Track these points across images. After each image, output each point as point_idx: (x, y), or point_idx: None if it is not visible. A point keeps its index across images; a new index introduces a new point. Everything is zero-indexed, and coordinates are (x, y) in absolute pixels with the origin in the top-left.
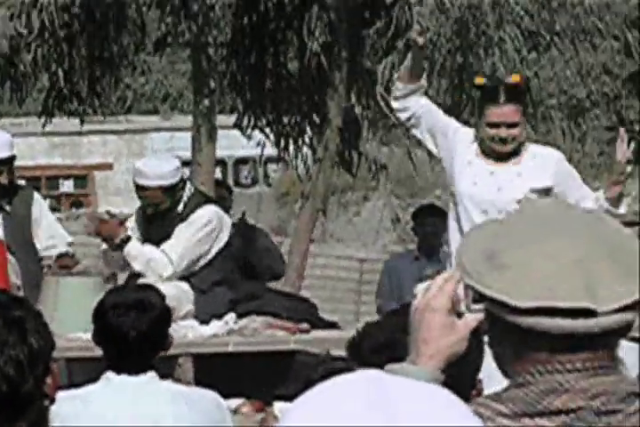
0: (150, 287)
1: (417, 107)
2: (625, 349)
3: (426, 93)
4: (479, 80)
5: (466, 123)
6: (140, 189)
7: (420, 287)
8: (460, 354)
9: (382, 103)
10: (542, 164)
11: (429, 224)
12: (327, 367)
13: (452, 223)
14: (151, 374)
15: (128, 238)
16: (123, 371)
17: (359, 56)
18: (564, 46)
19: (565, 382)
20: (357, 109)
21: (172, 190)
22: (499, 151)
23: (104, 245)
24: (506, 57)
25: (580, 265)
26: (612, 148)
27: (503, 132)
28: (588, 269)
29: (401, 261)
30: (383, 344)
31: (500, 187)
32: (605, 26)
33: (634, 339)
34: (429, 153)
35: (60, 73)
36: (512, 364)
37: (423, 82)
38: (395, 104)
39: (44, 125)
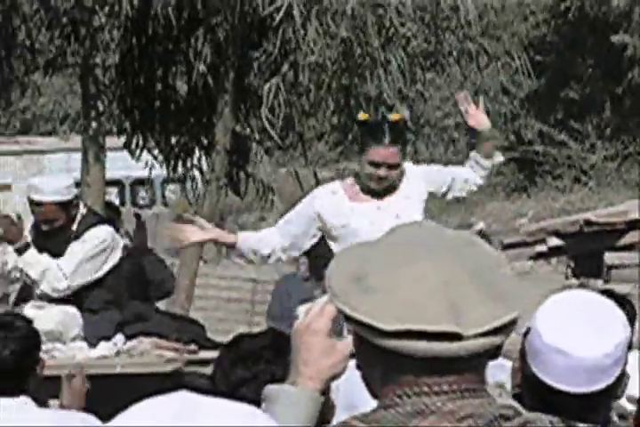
0: (15, 315)
1: None
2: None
3: (314, 115)
4: (363, 116)
5: (352, 142)
6: (35, 205)
7: (302, 309)
8: (340, 376)
9: (267, 125)
10: (413, 181)
11: (320, 246)
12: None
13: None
14: (23, 399)
15: (28, 245)
16: None
17: (246, 77)
18: (453, 68)
19: (432, 405)
20: (246, 131)
21: (67, 207)
22: (374, 189)
23: None
24: (392, 77)
25: (446, 288)
26: (508, 168)
27: (383, 172)
28: (453, 293)
29: (291, 282)
30: (243, 356)
31: (399, 215)
32: (501, 46)
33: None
34: (315, 174)
35: None
36: (380, 386)
37: None
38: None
39: None
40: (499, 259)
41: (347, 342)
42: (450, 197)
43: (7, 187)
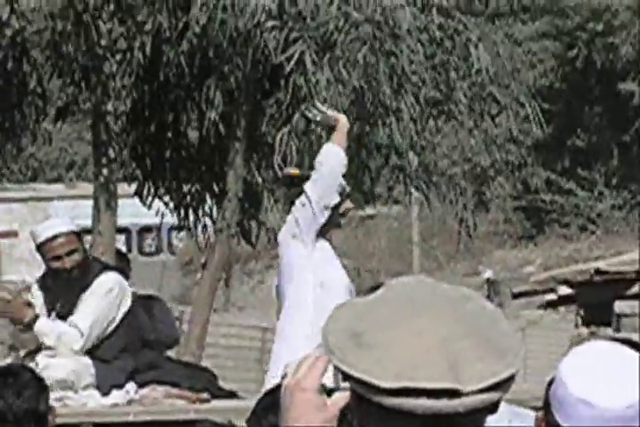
0: (20, 365)
1: None
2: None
3: None
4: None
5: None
6: (50, 240)
7: (291, 366)
8: None
9: (280, 173)
10: None
11: None
12: None
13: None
14: None
15: (36, 317)
16: None
17: (258, 126)
18: (464, 115)
19: None
20: (257, 179)
21: (81, 238)
22: None
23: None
24: (403, 126)
25: (444, 345)
26: (515, 217)
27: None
28: (452, 349)
29: None
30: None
31: None
32: (510, 94)
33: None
34: None
35: None
36: None
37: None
38: None
39: None
40: (496, 313)
41: (336, 400)
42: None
43: (14, 233)
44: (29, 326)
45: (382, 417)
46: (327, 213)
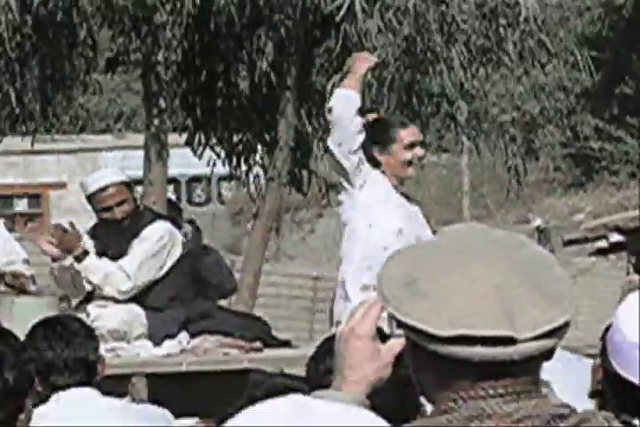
0: (70, 316)
1: None
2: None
3: (377, 110)
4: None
5: None
6: (100, 192)
7: (345, 313)
8: (385, 379)
9: None
10: None
11: None
12: (270, 385)
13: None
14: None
15: (86, 252)
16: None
17: (309, 75)
18: (514, 64)
19: (488, 408)
20: (308, 128)
21: (131, 189)
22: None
23: (53, 265)
24: (454, 74)
25: (499, 292)
26: (565, 164)
27: (419, 151)
28: (506, 296)
29: None
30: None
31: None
32: (558, 42)
33: None
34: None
35: (12, 93)
36: (435, 391)
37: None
38: None
39: None
40: (550, 260)
41: (391, 346)
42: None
43: (62, 185)
44: (77, 260)
45: (438, 365)
46: (355, 157)
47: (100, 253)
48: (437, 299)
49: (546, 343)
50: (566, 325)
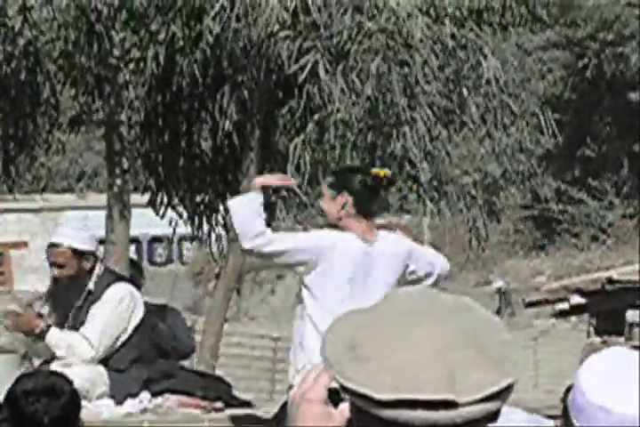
0: (58, 374)
1: None
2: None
3: None
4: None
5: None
6: (51, 247)
7: (297, 379)
8: None
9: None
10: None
11: None
12: None
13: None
14: None
15: (48, 327)
16: None
17: (271, 135)
18: (476, 125)
19: None
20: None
21: (81, 257)
22: None
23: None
24: (417, 136)
25: (441, 355)
26: (526, 226)
27: None
28: (449, 359)
29: None
30: None
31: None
32: (520, 104)
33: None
34: None
35: None
36: None
37: None
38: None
39: None
40: (495, 324)
41: (343, 410)
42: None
43: (24, 244)
44: (41, 338)
45: None
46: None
47: (60, 315)
48: (378, 363)
49: (489, 406)
50: (510, 387)
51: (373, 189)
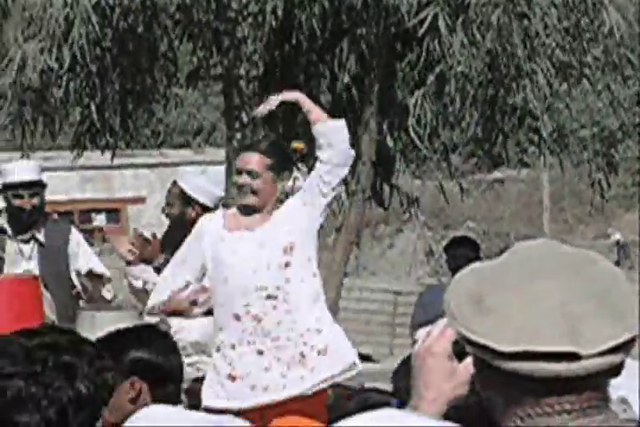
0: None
1: None
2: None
3: (459, 126)
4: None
5: (499, 156)
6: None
7: (421, 333)
8: (462, 397)
9: (414, 136)
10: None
11: (462, 256)
12: (361, 399)
13: None
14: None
15: (167, 261)
16: None
17: (391, 89)
18: (595, 78)
19: (554, 425)
20: (389, 142)
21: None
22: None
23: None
24: (537, 89)
25: (564, 308)
26: None
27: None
28: (572, 312)
29: (435, 294)
30: None
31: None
32: (637, 57)
33: None
34: (461, 186)
35: (92, 107)
36: (501, 409)
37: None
38: None
39: (75, 159)
40: (619, 276)
41: (467, 364)
42: (326, 190)
43: (141, 200)
44: (158, 270)
45: (502, 382)
46: None
47: None
48: (502, 315)
49: (612, 359)
50: (632, 340)
51: None
